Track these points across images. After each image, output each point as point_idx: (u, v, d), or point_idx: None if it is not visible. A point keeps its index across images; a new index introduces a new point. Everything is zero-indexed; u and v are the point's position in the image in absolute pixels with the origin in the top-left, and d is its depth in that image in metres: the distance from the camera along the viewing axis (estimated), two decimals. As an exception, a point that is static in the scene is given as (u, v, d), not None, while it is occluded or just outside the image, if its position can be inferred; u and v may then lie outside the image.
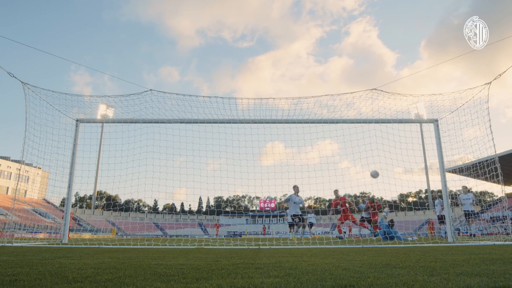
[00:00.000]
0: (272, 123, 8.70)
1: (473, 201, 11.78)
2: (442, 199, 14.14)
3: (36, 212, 46.36)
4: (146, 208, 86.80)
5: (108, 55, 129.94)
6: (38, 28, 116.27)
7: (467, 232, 11.76)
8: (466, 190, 11.91)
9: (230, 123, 8.65)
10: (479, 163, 8.80)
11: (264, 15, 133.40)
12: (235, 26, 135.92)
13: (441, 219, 13.95)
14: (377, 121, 8.71)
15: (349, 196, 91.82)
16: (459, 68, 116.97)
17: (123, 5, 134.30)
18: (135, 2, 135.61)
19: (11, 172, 57.12)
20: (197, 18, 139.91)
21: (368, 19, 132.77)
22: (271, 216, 71.66)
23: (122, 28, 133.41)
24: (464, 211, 11.80)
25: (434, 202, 14.35)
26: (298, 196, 10.46)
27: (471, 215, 11.78)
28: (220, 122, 8.67)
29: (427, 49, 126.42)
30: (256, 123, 8.64)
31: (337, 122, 8.74)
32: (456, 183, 15.30)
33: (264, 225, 46.86)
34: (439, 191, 8.82)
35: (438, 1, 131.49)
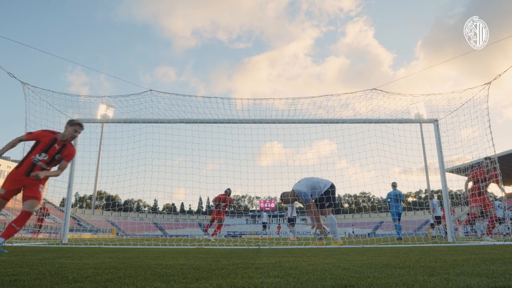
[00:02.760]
0: (271, 123, 8.70)
1: None
2: (437, 200, 14.19)
3: (36, 212, 46.32)
4: (146, 208, 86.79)
5: (103, 55, 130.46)
6: (33, 29, 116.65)
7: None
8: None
9: (229, 123, 8.66)
10: (478, 163, 8.80)
11: (260, 15, 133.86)
12: (231, 27, 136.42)
13: (438, 219, 13.96)
14: (376, 121, 8.71)
15: (349, 196, 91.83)
16: (454, 69, 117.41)
17: (116, 6, 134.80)
18: (128, 3, 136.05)
19: (11, 172, 57.05)
20: (192, 18, 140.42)
21: (365, 18, 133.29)
22: (271, 216, 71.70)
23: (117, 29, 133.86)
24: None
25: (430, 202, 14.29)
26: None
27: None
28: (220, 122, 8.67)
29: (423, 49, 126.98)
30: (255, 123, 8.64)
31: (336, 122, 8.73)
32: (456, 183, 15.23)
33: (279, 224, 43.97)
34: (439, 191, 8.82)
35: (434, 1, 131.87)
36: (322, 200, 6.60)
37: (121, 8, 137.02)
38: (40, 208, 15.76)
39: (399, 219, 11.47)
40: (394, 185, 11.71)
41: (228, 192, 12.21)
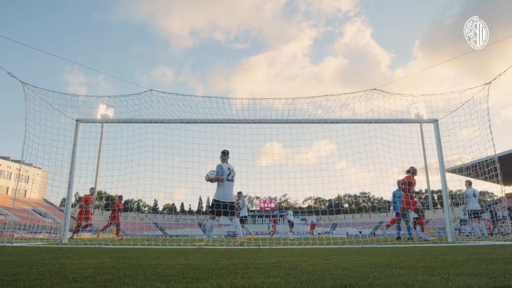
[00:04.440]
0: (271, 123, 8.70)
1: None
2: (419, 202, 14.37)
3: (36, 212, 46.37)
4: (146, 208, 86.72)
5: (101, 56, 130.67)
6: (31, 30, 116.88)
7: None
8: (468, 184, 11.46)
9: (229, 123, 8.66)
10: (478, 163, 8.80)
11: (257, 16, 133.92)
12: (228, 27, 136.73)
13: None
14: (376, 121, 8.72)
15: (349, 196, 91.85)
16: (453, 69, 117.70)
17: (113, 6, 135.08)
18: (125, 3, 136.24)
19: (11, 172, 57.13)
20: (189, 19, 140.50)
21: (363, 18, 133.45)
22: (271, 216, 71.69)
23: (114, 29, 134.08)
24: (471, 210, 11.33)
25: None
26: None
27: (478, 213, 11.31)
28: (220, 122, 8.67)
29: (421, 49, 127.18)
30: (255, 123, 8.64)
31: (336, 122, 8.74)
32: (455, 183, 15.27)
33: (312, 222, 38.04)
34: (439, 191, 8.82)
35: (432, 1, 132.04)
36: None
37: (119, 9, 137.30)
38: (113, 204, 14.38)
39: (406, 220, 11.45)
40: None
41: (412, 170, 9.86)
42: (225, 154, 7.33)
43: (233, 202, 7.03)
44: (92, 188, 12.31)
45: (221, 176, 6.94)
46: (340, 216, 72.80)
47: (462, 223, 15.48)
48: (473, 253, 3.93)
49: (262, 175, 8.41)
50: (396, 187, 11.41)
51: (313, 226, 32.03)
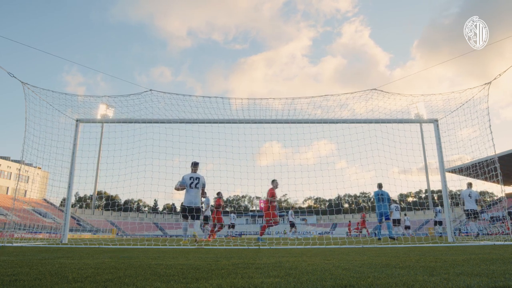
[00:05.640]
0: (271, 123, 8.71)
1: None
2: (395, 204, 14.52)
3: (36, 212, 46.35)
4: (146, 208, 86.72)
5: (99, 56, 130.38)
6: (29, 30, 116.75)
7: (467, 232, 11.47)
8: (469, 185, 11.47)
9: (229, 123, 8.66)
10: (478, 163, 8.80)
11: (255, 16, 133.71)
12: (227, 27, 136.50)
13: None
14: (376, 121, 8.72)
15: (349, 196, 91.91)
16: (451, 69, 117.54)
17: (111, 7, 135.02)
18: (123, 4, 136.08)
19: (11, 172, 57.09)
20: (187, 19, 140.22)
21: (361, 18, 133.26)
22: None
23: (113, 29, 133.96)
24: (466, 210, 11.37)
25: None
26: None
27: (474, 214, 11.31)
28: (220, 122, 8.67)
29: (420, 49, 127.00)
30: (255, 123, 8.64)
31: (336, 122, 8.74)
32: (455, 183, 15.27)
33: (354, 221, 30.73)
34: (439, 191, 8.83)
35: (430, 1, 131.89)
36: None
37: (117, 9, 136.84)
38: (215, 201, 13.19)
39: (380, 220, 11.51)
40: (379, 185, 11.68)
41: None
42: (193, 165, 7.93)
43: (198, 207, 7.70)
44: (219, 192, 12.57)
45: (179, 186, 7.67)
46: (340, 216, 72.74)
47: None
48: (473, 253, 3.93)
49: (262, 175, 8.42)
50: (376, 188, 11.43)
51: (363, 222, 25.84)
